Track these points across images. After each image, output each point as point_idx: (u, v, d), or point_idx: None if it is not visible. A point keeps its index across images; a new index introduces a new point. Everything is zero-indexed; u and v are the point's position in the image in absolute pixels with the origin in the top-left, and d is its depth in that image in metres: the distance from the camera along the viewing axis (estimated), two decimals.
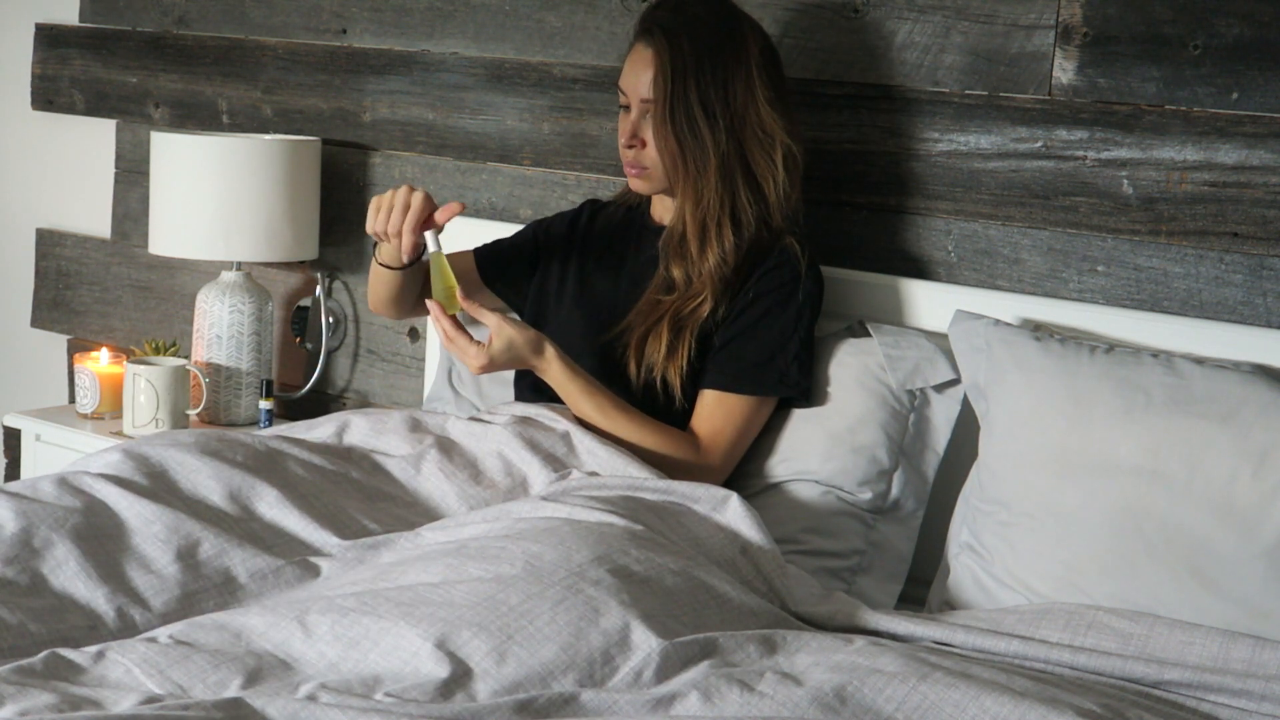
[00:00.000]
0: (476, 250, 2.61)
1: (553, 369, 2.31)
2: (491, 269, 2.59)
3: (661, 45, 2.34)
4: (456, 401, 2.68)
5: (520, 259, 2.58)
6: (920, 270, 2.56)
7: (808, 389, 2.35)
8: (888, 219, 2.59)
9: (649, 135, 2.37)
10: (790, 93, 2.43)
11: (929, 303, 2.47)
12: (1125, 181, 2.39)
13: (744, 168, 2.36)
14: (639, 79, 2.36)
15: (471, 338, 2.29)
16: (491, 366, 2.29)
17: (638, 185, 2.42)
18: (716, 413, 2.32)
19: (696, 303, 2.33)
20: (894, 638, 1.92)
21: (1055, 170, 2.44)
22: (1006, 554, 2.16)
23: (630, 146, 2.39)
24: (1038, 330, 2.31)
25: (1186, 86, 2.33)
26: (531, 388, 2.49)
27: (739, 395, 2.31)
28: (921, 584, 2.36)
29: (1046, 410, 2.17)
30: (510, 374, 2.62)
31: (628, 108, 2.39)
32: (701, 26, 2.35)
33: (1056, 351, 2.21)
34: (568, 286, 2.50)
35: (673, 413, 2.35)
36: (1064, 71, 2.42)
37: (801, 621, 1.96)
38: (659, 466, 2.26)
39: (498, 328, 2.27)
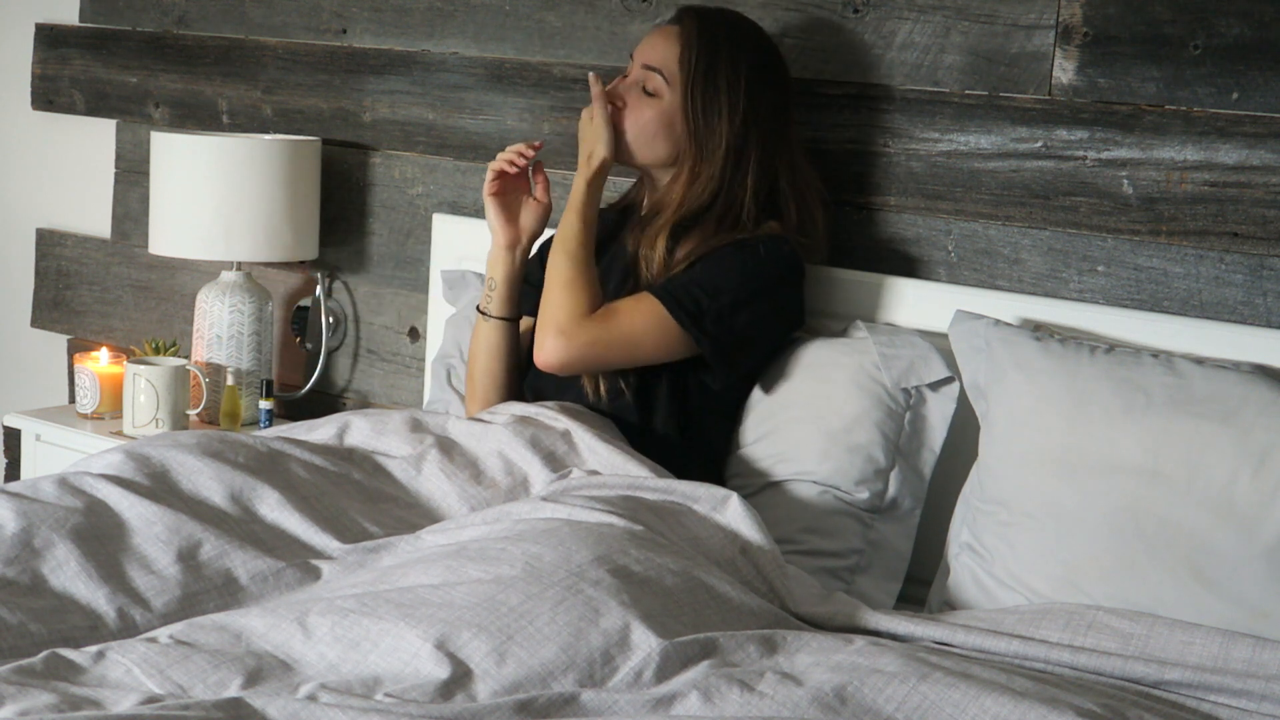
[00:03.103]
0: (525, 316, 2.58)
1: (574, 193, 2.39)
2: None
3: (691, 30, 2.40)
4: (458, 404, 2.68)
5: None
6: (920, 270, 2.56)
7: (720, 346, 2.32)
8: (888, 219, 2.59)
9: (633, 101, 2.41)
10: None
11: (929, 303, 2.47)
12: (1125, 181, 2.39)
13: (761, 179, 2.39)
14: (654, 49, 2.42)
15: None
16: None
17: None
18: (626, 301, 2.32)
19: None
20: (894, 638, 1.92)
21: (1055, 170, 2.44)
22: (1006, 554, 2.16)
23: (613, 105, 2.43)
24: (1038, 330, 2.31)
25: (1186, 86, 2.33)
26: (530, 390, 2.49)
27: (652, 297, 2.31)
28: (921, 584, 2.36)
29: (1046, 410, 2.17)
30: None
31: (627, 75, 2.46)
32: (736, 35, 2.41)
33: (1056, 351, 2.21)
34: None
35: (642, 415, 2.37)
36: (1064, 71, 2.42)
37: (801, 622, 1.96)
38: (546, 309, 2.31)
39: (596, 125, 2.39)
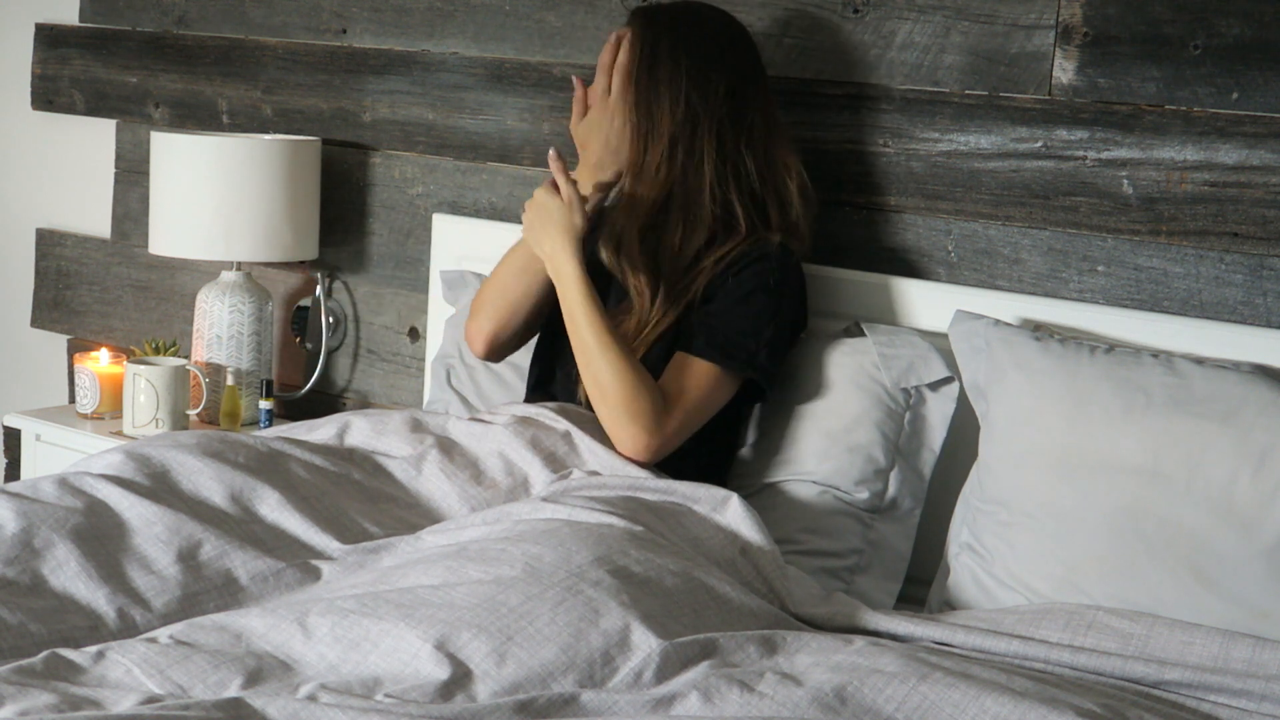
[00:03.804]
0: None
1: (568, 271, 2.28)
2: None
3: (636, 29, 2.39)
4: (458, 404, 2.68)
5: None
6: (920, 270, 2.56)
7: (773, 377, 2.33)
8: (888, 219, 2.59)
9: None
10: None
11: (929, 303, 2.47)
12: (1125, 181, 2.39)
13: (723, 167, 2.36)
14: (607, 52, 2.41)
15: (559, 189, 2.32)
16: (529, 219, 2.34)
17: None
18: (683, 375, 2.28)
19: (650, 327, 2.32)
20: (894, 638, 1.92)
21: (1055, 170, 2.44)
22: (1006, 554, 2.16)
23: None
24: (1038, 330, 2.31)
25: (1186, 86, 2.33)
26: (535, 387, 2.49)
27: (707, 362, 2.28)
28: (921, 584, 2.36)
29: (1046, 410, 2.17)
30: (514, 378, 2.62)
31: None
32: (681, 26, 2.39)
33: (1056, 351, 2.21)
34: None
35: None
36: (1064, 71, 2.42)
37: (801, 622, 1.96)
38: (618, 407, 2.22)
39: (567, 198, 2.30)
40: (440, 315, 2.93)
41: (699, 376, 2.28)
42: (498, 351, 2.50)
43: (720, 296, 2.32)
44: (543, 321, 2.49)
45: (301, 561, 1.98)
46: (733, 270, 2.32)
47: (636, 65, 2.36)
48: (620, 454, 2.24)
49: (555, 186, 2.33)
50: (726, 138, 2.36)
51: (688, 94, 2.34)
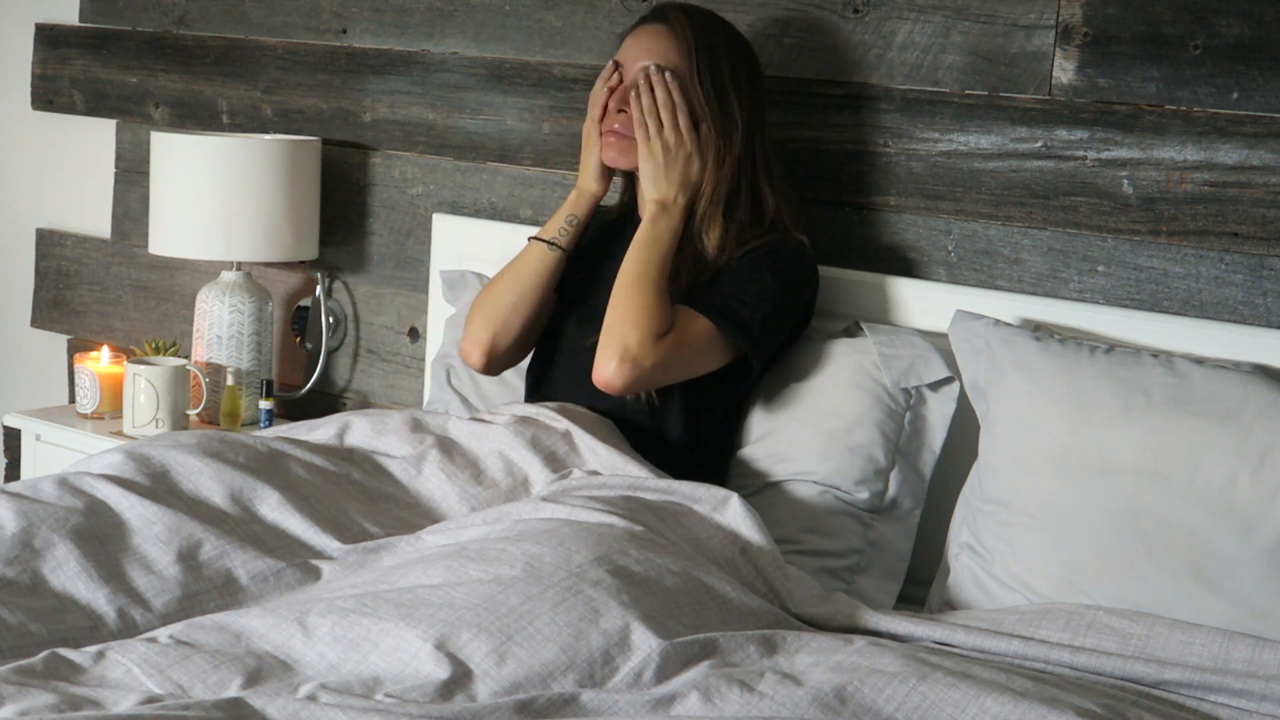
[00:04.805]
0: None
1: (672, 219, 2.33)
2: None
3: (683, 23, 2.39)
4: (458, 404, 2.68)
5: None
6: (920, 270, 2.56)
7: (762, 350, 2.33)
8: (888, 219, 2.59)
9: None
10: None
11: (929, 303, 2.47)
12: (1125, 181, 2.39)
13: (755, 162, 2.39)
14: (651, 50, 2.38)
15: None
16: (655, 155, 2.34)
17: (616, 157, 2.41)
18: (679, 321, 2.29)
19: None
20: (894, 638, 1.92)
21: (1055, 170, 2.44)
22: (1006, 554, 2.16)
23: (621, 111, 2.40)
24: (1038, 330, 2.31)
25: (1186, 86, 2.33)
26: (534, 389, 2.49)
27: (704, 318, 2.29)
28: (921, 584, 2.36)
29: (1046, 410, 2.17)
30: (515, 377, 2.62)
31: (616, 86, 2.40)
32: (719, 26, 2.42)
33: (1056, 351, 2.21)
34: (566, 291, 2.49)
35: (652, 409, 2.34)
36: (1064, 71, 2.42)
37: (801, 622, 1.96)
38: (627, 323, 2.25)
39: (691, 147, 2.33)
40: (440, 315, 2.93)
41: (694, 327, 2.30)
42: (497, 362, 2.49)
43: (730, 269, 2.34)
44: (539, 333, 2.50)
45: (301, 561, 1.98)
46: (749, 253, 2.34)
47: (699, 61, 2.36)
48: (595, 378, 2.26)
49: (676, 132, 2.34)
50: (768, 134, 2.42)
51: (748, 92, 2.38)
